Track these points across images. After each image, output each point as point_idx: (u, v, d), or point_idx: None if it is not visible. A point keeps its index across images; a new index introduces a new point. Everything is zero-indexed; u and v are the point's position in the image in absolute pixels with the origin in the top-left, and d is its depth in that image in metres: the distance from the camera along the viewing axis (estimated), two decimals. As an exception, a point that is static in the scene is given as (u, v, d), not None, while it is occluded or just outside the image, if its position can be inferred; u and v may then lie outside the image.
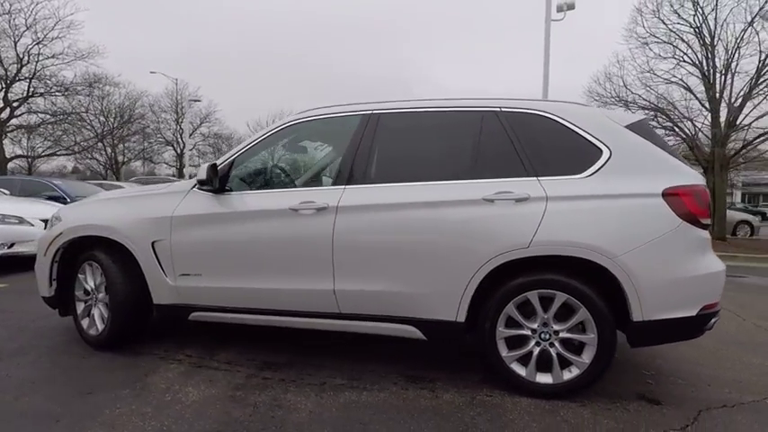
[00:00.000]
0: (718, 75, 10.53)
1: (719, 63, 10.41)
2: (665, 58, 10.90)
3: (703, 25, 10.27)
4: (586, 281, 2.29)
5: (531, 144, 2.47)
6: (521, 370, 2.38)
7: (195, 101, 24.13)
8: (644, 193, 2.29)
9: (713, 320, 2.30)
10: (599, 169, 2.36)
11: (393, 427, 2.08)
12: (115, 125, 26.61)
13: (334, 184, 2.67)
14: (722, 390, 2.52)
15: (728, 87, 10.53)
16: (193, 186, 2.86)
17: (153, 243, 2.82)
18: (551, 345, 2.35)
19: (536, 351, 2.37)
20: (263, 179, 2.93)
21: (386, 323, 2.54)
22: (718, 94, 10.55)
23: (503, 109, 2.57)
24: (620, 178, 2.33)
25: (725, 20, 10.11)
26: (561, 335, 2.34)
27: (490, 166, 2.50)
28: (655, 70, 11.19)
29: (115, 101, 26.06)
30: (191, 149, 37.94)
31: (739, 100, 10.34)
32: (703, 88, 10.99)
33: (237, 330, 3.25)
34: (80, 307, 3.10)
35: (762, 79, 9.96)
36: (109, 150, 28.56)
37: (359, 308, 2.56)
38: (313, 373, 2.66)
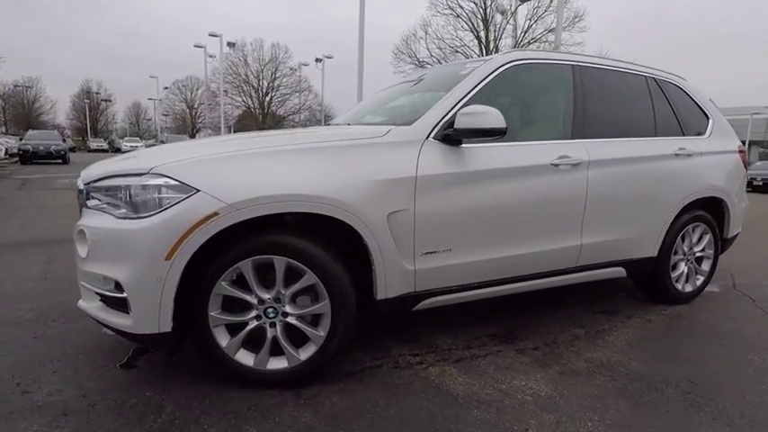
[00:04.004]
0: (491, 48, 13.67)
1: (492, 39, 13.55)
2: (465, 31, 13.28)
3: (487, 9, 13.02)
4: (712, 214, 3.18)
5: (678, 108, 3.07)
6: (678, 285, 3.11)
7: None
8: (731, 150, 3.29)
9: None
10: (711, 133, 3.21)
11: (682, 342, 2.45)
12: None
13: (572, 137, 2.54)
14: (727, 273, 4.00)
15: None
16: (429, 134, 2.11)
17: (388, 216, 1.97)
18: (692, 263, 3.17)
19: (686, 270, 3.14)
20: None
21: (603, 269, 2.75)
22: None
23: (655, 76, 3.05)
24: (719, 139, 3.24)
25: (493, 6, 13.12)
26: (697, 254, 3.18)
27: (663, 124, 2.97)
28: (445, 39, 13.49)
29: None
30: None
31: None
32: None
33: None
34: (223, 335, 1.84)
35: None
36: None
37: (591, 258, 2.66)
38: (553, 333, 2.60)
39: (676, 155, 2.90)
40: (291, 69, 37.90)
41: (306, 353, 1.91)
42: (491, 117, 2.04)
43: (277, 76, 38.17)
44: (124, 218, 1.71)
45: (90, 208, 1.85)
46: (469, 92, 2.26)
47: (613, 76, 2.85)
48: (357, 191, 1.90)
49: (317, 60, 30.96)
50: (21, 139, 20.54)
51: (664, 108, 3.00)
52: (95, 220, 1.78)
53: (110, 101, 57.12)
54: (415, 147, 2.08)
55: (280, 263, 1.82)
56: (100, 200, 1.82)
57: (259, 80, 37.97)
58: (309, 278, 1.85)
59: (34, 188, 9.58)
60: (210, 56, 29.46)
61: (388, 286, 2.04)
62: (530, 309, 2.96)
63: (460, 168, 2.15)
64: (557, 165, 2.40)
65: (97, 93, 54.40)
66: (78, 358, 2.11)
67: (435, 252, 2.14)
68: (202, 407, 1.75)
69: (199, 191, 1.68)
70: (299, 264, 1.82)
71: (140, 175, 1.72)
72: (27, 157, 17.74)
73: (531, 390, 1.97)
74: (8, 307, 2.73)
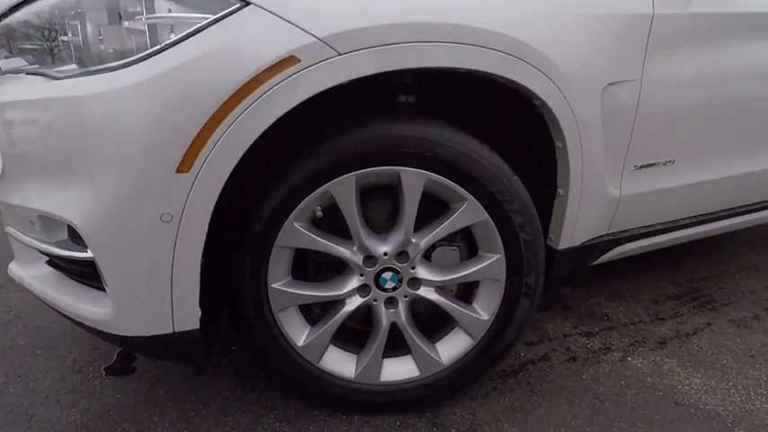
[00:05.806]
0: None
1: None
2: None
3: None
4: None
5: None
6: None
7: None
8: None
9: None
10: None
11: None
12: None
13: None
14: None
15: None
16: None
17: (603, 90, 1.01)
18: None
19: None
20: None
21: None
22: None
23: None
24: None
25: None
26: None
27: None
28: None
29: None
30: None
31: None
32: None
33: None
34: (296, 325, 0.95)
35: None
36: None
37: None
38: (756, 291, 1.74)
39: None
40: None
41: (450, 351, 1.03)
42: None
43: None
44: (70, 76, 0.74)
45: (-1, 69, 0.87)
46: None
47: None
48: (559, 33, 0.92)
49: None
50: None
51: None
52: (11, 91, 0.81)
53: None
54: (644, -46, 1.07)
55: (412, 181, 0.88)
56: (13, 51, 0.84)
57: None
58: (470, 213, 0.92)
59: None
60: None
61: (578, 225, 1.12)
62: (687, 252, 2.09)
63: (710, 7, 1.16)
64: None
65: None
66: (35, 357, 1.23)
67: (654, 165, 1.20)
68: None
69: (249, 3, 0.70)
70: (453, 184, 0.89)
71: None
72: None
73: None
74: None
